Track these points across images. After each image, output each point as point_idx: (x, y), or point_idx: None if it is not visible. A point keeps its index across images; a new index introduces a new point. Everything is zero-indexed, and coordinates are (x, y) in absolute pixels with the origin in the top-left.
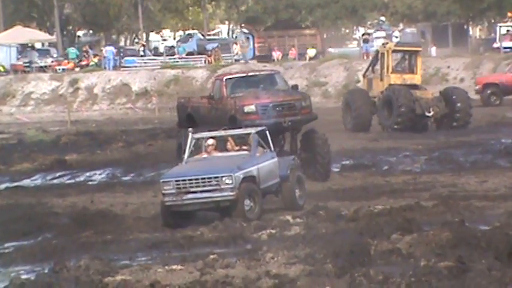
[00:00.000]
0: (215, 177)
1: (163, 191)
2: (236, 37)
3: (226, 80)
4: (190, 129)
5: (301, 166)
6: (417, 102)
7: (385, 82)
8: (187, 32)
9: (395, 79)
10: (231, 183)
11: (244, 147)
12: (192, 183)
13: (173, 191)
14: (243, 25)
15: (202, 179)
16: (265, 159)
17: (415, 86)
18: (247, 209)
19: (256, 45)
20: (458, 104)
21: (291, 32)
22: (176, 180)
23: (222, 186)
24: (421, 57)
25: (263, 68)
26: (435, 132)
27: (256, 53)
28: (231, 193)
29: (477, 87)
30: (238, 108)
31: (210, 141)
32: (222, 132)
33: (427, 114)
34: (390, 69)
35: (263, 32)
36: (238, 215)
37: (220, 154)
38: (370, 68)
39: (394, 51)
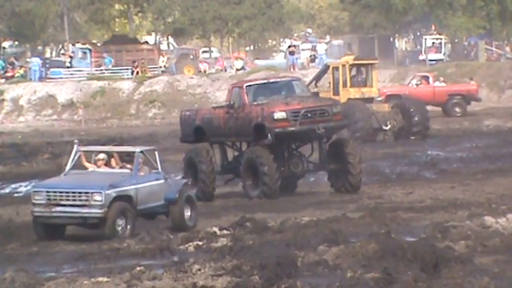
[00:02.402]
0: (85, 193)
1: (33, 201)
2: (73, 52)
3: (246, 87)
4: (76, 141)
5: (330, 177)
6: (374, 116)
7: (342, 96)
8: None
9: (354, 93)
10: (100, 200)
11: (129, 166)
12: (62, 196)
13: (43, 201)
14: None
15: (72, 192)
16: (147, 179)
17: (371, 99)
18: (119, 228)
19: (93, 59)
20: (416, 118)
21: (129, 46)
22: (47, 191)
23: (91, 203)
24: (376, 70)
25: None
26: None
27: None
28: (99, 210)
29: (380, 99)
30: (266, 115)
31: (101, 156)
32: (107, 148)
33: (384, 127)
34: (349, 83)
35: (100, 46)
36: (108, 233)
37: (103, 170)
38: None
39: (352, 65)
